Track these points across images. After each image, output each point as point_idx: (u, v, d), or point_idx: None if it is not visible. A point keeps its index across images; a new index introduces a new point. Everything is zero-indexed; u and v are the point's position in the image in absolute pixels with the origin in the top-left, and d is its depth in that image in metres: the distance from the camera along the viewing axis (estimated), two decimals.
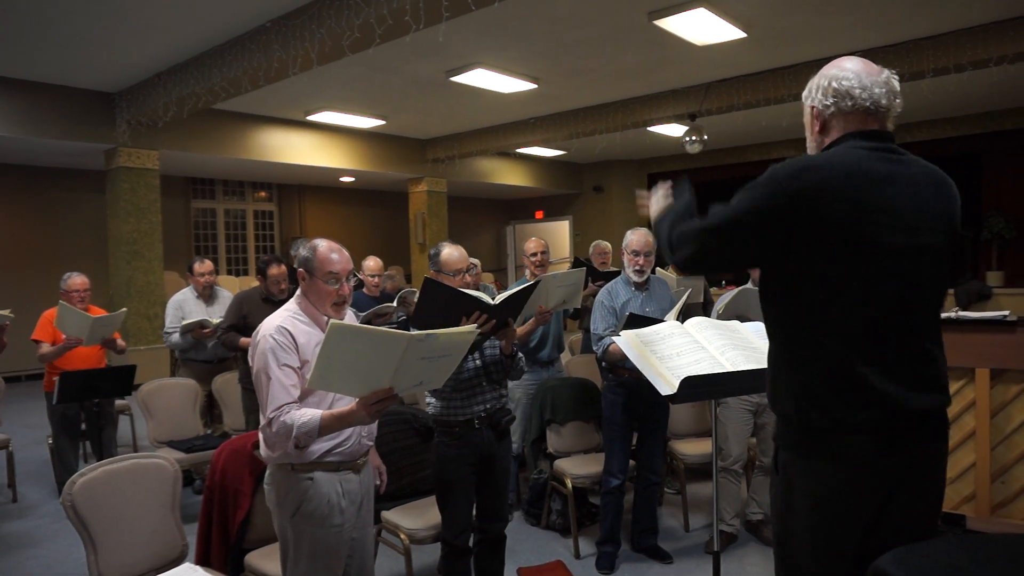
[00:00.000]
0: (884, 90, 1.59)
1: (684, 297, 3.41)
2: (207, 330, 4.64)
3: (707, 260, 1.72)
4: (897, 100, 1.61)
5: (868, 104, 1.58)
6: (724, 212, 1.61)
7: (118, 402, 4.91)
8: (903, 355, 1.52)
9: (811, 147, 1.70)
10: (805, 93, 1.70)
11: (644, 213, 1.97)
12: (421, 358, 1.80)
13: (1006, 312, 3.19)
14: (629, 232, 3.52)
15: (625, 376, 3.44)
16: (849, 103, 1.58)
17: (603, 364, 3.54)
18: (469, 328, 1.91)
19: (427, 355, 1.81)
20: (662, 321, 3.10)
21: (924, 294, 1.55)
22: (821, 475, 1.53)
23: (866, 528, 1.52)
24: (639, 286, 3.49)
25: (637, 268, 3.44)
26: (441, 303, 2.46)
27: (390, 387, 1.84)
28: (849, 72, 1.59)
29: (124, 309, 4.92)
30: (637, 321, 3.03)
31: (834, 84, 1.60)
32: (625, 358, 3.32)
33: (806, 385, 1.54)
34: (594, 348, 3.50)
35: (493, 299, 2.53)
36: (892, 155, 1.57)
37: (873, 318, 1.50)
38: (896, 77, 1.63)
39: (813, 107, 1.65)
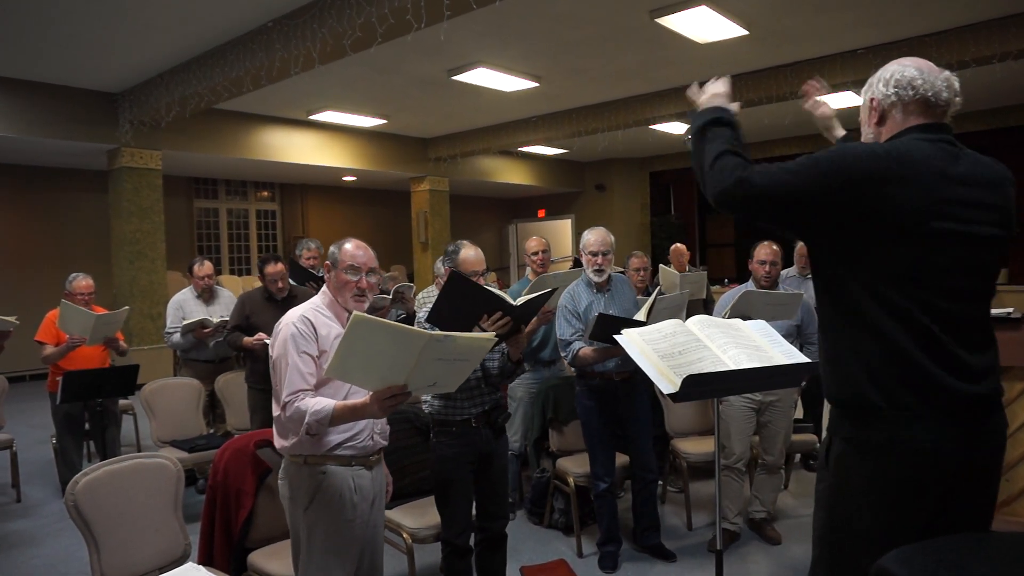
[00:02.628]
0: (945, 84, 1.61)
1: (653, 296, 3.35)
2: (208, 329, 4.65)
3: (743, 209, 1.62)
4: (957, 98, 1.63)
5: (929, 94, 1.60)
6: (779, 174, 1.57)
7: (121, 402, 4.91)
8: (962, 343, 1.53)
9: (867, 139, 1.71)
10: (864, 88, 1.72)
11: (691, 98, 1.95)
12: (438, 359, 1.82)
13: (1010, 309, 3.17)
14: (586, 232, 3.49)
15: (596, 380, 3.43)
16: (911, 92, 1.61)
17: (573, 369, 3.51)
18: (488, 336, 1.93)
19: (444, 357, 1.83)
20: (633, 320, 3.08)
21: (979, 285, 1.57)
22: (880, 466, 1.52)
23: (927, 522, 1.51)
24: (600, 287, 3.47)
25: (596, 268, 3.41)
26: (464, 298, 2.43)
27: (404, 384, 1.86)
28: (911, 66, 1.63)
29: (127, 307, 4.92)
30: (607, 321, 3.00)
31: (896, 76, 1.63)
32: (595, 362, 3.33)
33: (865, 373, 1.54)
34: (562, 353, 3.47)
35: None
36: (952, 147, 1.59)
37: (934, 305, 1.51)
38: (955, 77, 1.65)
39: (873, 99, 1.67)
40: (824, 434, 1.69)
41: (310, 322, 2.18)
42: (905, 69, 1.63)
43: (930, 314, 1.51)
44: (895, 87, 1.62)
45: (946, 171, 1.54)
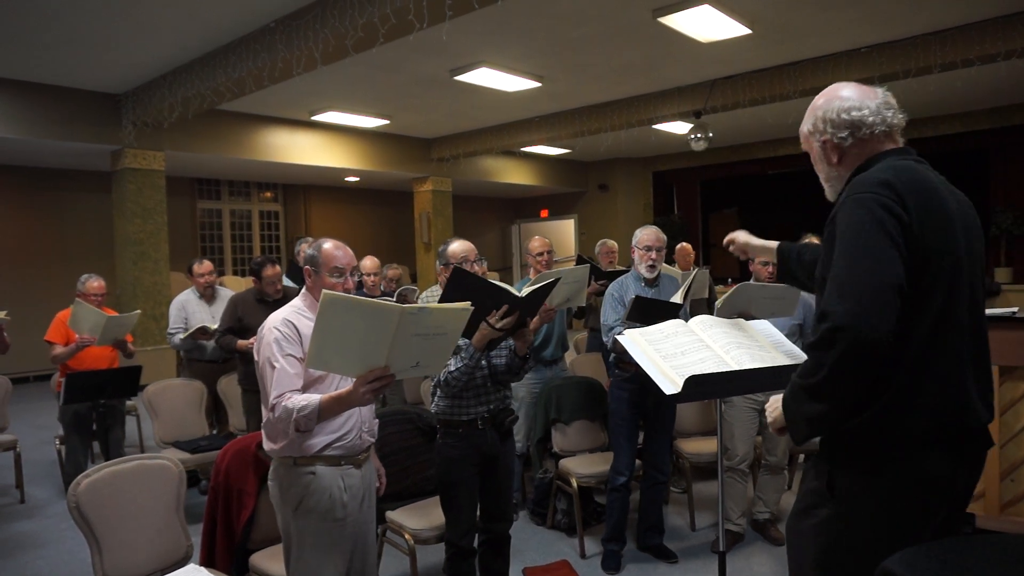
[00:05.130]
0: (891, 111, 1.60)
1: (690, 279, 3.41)
2: (207, 335, 4.67)
3: (879, 328, 1.39)
4: (901, 115, 1.62)
5: (883, 128, 1.59)
6: (854, 263, 1.43)
7: (126, 402, 4.92)
8: (967, 365, 1.52)
9: (829, 177, 1.69)
10: (809, 129, 1.67)
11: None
12: (415, 334, 1.80)
13: (1015, 309, 3.16)
14: (639, 230, 3.54)
15: (631, 370, 3.42)
16: (865, 131, 1.59)
17: (611, 357, 3.54)
18: (463, 305, 1.89)
19: (421, 331, 1.80)
20: (668, 303, 3.09)
21: (976, 300, 1.55)
22: (899, 495, 1.49)
23: (924, 538, 1.51)
24: (649, 282, 3.49)
25: (650, 264, 3.45)
26: (469, 293, 2.40)
27: (386, 366, 1.85)
28: (854, 100, 1.60)
29: (138, 311, 4.94)
30: (643, 304, 3.01)
31: (843, 116, 1.60)
32: None
33: (875, 400, 1.49)
34: (604, 338, 3.49)
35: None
36: (926, 165, 1.59)
37: (941, 327, 1.49)
38: (889, 93, 1.63)
39: (826, 140, 1.64)
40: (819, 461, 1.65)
41: (293, 325, 2.18)
42: (851, 107, 1.59)
43: (941, 337, 1.49)
44: (848, 128, 1.59)
45: (935, 189, 1.53)
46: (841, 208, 1.52)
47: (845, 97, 1.61)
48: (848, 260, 1.44)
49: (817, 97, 1.68)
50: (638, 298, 3.11)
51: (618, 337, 2.17)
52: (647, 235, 3.48)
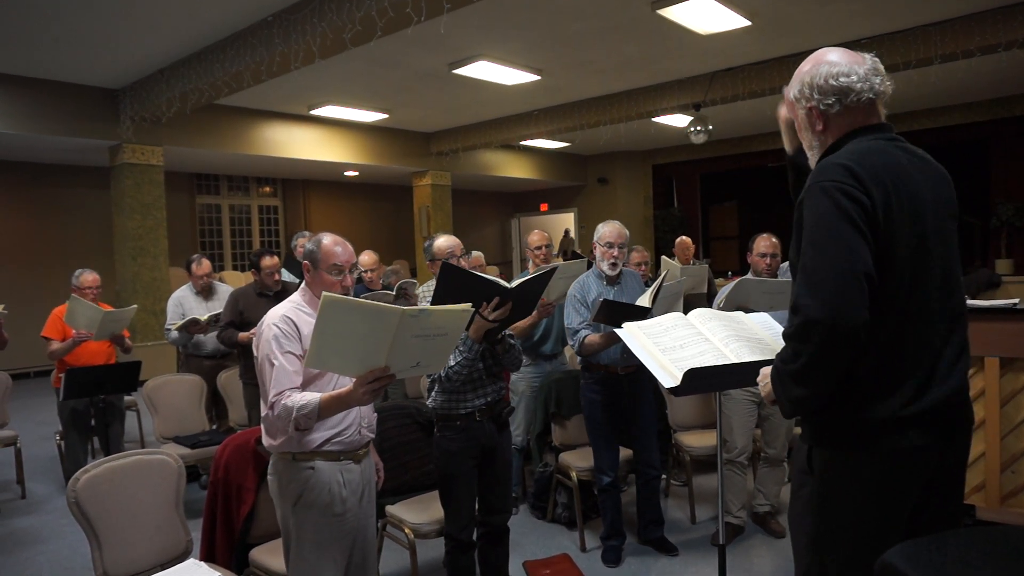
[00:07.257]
0: (879, 77, 1.58)
1: (659, 281, 3.29)
2: (199, 326, 4.67)
3: (851, 315, 1.41)
4: (888, 83, 1.60)
5: (871, 95, 1.57)
6: (821, 254, 1.44)
7: (125, 398, 4.92)
8: (942, 342, 1.52)
9: (812, 145, 1.67)
10: (795, 95, 1.65)
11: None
12: (415, 335, 1.79)
13: (1015, 300, 3.15)
14: (601, 225, 3.43)
15: (600, 373, 3.40)
16: (853, 98, 1.57)
17: (579, 360, 3.50)
18: (464, 307, 1.88)
19: (421, 333, 1.79)
20: (636, 306, 3.05)
21: (950, 279, 1.55)
22: (871, 469, 1.51)
23: (909, 518, 1.53)
24: (611, 280, 3.43)
25: (612, 261, 3.35)
26: (459, 287, 2.43)
27: (386, 366, 1.84)
28: (842, 66, 1.57)
29: (134, 306, 4.93)
30: (610, 307, 2.98)
31: (831, 81, 1.57)
32: (601, 348, 3.29)
33: (850, 381, 1.50)
34: (569, 342, 3.44)
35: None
36: (901, 143, 1.58)
37: (913, 307, 1.49)
38: (877, 60, 1.61)
39: (812, 108, 1.61)
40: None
41: (292, 321, 2.16)
42: (838, 72, 1.56)
43: (914, 316, 1.50)
44: (835, 95, 1.57)
45: (907, 169, 1.53)
46: (806, 196, 1.53)
47: (833, 62, 1.58)
48: (815, 251, 1.46)
49: (804, 62, 1.65)
50: (605, 301, 3.04)
51: (617, 331, 2.16)
52: (609, 231, 3.36)
